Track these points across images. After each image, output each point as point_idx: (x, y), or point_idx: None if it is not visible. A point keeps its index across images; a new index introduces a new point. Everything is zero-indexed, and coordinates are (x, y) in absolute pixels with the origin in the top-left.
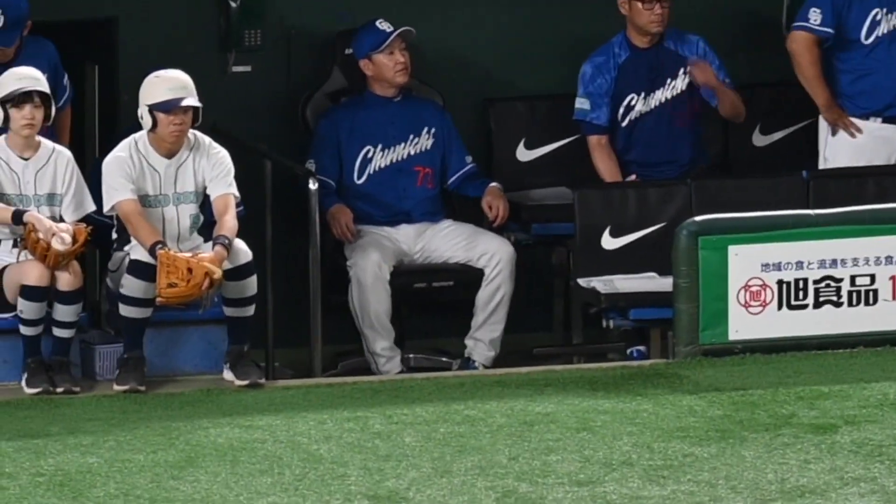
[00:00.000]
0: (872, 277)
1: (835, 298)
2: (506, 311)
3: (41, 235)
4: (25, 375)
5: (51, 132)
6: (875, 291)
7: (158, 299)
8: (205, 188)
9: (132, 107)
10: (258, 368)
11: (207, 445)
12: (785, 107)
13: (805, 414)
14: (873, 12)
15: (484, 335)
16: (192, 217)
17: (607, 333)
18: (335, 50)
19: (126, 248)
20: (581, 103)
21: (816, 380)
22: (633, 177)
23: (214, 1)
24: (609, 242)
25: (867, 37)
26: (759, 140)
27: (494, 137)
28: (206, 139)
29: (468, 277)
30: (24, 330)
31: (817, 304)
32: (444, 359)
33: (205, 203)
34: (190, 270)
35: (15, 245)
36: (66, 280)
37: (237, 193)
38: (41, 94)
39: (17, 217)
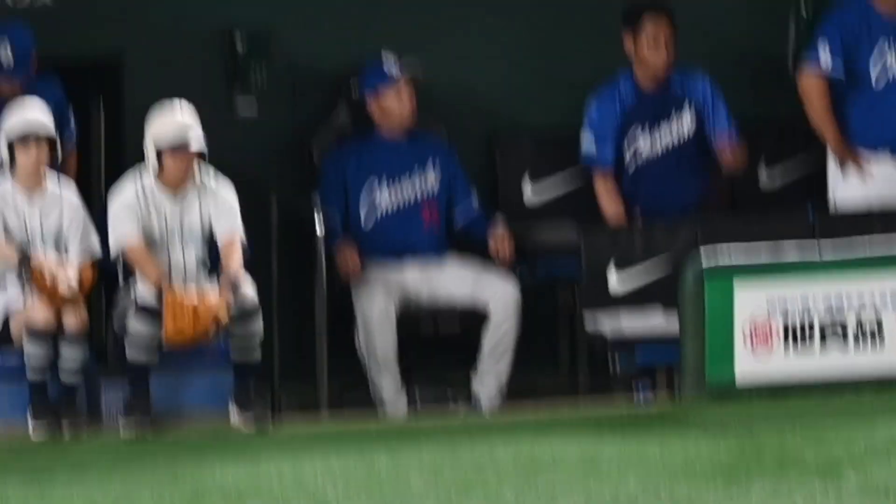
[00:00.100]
0: (879, 319)
1: (841, 340)
2: (512, 353)
3: (47, 277)
4: (31, 417)
5: (56, 171)
6: (881, 333)
7: (164, 342)
8: (211, 227)
9: (138, 146)
10: (264, 410)
11: (213, 487)
12: (791, 142)
13: (811, 456)
14: (881, 47)
15: (490, 376)
16: (198, 257)
17: (613, 374)
18: (341, 88)
19: (132, 289)
20: (586, 140)
21: (823, 421)
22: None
23: (220, 39)
24: (615, 280)
25: (876, 74)
26: (765, 175)
27: (500, 173)
28: (212, 177)
29: (474, 317)
30: (30, 373)
31: (823, 346)
32: (449, 398)
33: (211, 243)
34: (196, 312)
35: (21, 287)
36: (72, 322)
37: (243, 233)
38: (47, 135)
39: (24, 258)
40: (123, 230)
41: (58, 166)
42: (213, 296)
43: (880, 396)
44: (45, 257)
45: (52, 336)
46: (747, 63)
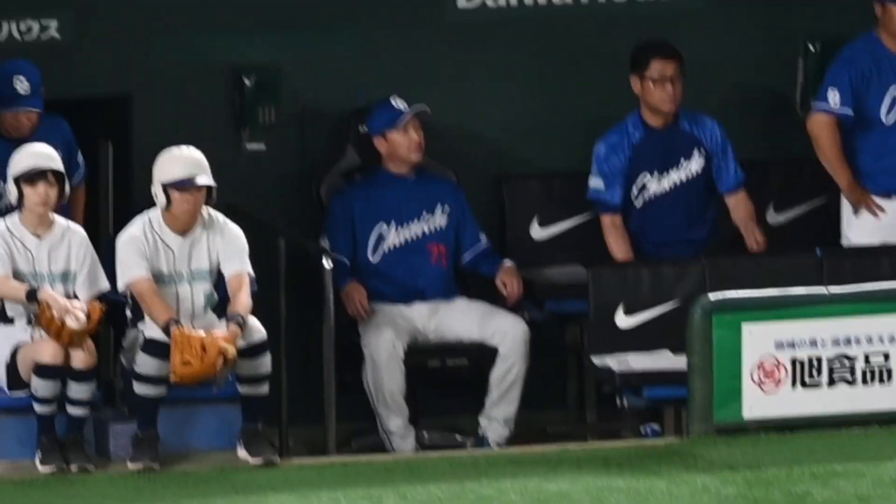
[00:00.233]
0: (886, 356)
1: (849, 377)
2: (520, 390)
3: (55, 313)
4: (39, 453)
5: (65, 210)
6: (889, 370)
7: (172, 377)
8: (219, 266)
9: (146, 184)
10: (272, 446)
11: None
12: (799, 184)
13: (819, 492)
14: (892, 90)
15: (498, 413)
16: (206, 295)
17: (621, 411)
18: (349, 128)
19: (140, 325)
20: (595, 182)
21: (830, 458)
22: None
23: (229, 78)
24: (623, 320)
25: (887, 115)
26: (774, 217)
27: (508, 214)
28: (220, 216)
29: (482, 356)
30: (38, 408)
31: (831, 383)
32: (458, 437)
33: (219, 281)
34: (204, 348)
35: (29, 323)
36: (81, 358)
37: (251, 271)
38: (55, 172)
39: (32, 295)
40: (131, 266)
41: (66, 203)
42: (220, 331)
43: (888, 433)
44: (52, 293)
45: (61, 371)
46: (756, 103)
